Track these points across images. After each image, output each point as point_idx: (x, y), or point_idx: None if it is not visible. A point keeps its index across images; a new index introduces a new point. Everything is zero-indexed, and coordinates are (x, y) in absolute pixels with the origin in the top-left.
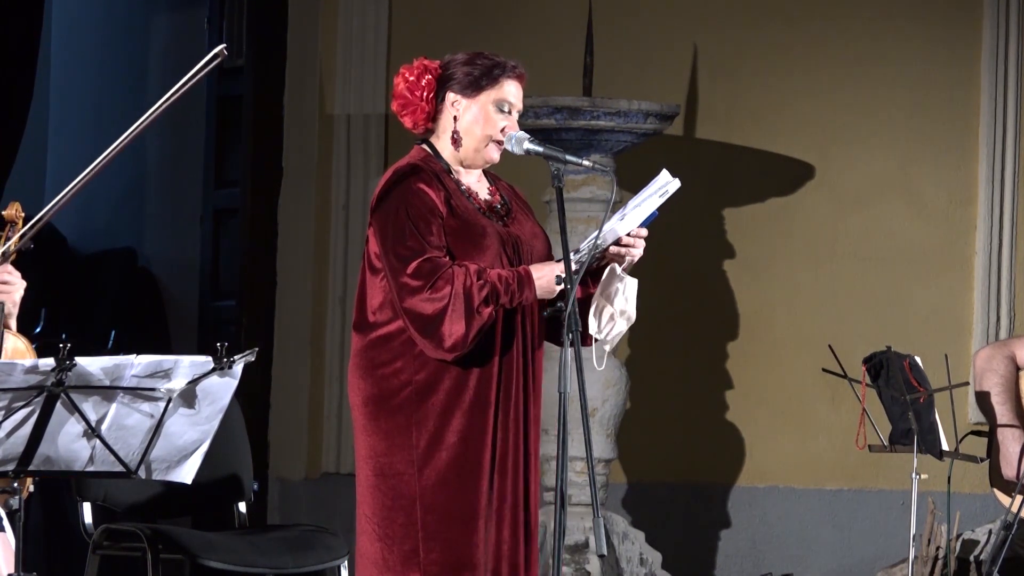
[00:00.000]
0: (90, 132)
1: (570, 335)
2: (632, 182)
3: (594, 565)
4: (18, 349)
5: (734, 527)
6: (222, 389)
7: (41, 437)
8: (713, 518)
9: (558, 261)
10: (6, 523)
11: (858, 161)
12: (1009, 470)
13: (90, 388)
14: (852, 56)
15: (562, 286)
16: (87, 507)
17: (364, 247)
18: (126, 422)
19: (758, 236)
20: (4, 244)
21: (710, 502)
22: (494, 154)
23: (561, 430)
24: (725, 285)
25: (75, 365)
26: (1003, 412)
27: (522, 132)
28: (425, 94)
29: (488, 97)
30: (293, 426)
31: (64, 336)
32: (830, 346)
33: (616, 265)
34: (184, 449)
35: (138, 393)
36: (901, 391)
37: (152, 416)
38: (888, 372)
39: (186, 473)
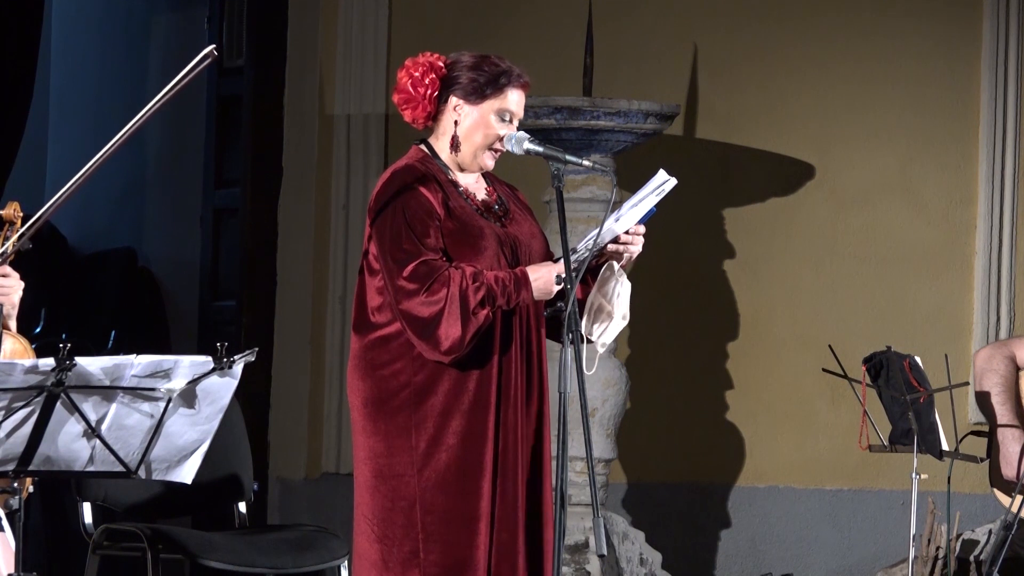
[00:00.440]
0: (90, 132)
1: (570, 335)
2: (632, 182)
3: (594, 565)
4: (16, 350)
5: (734, 527)
6: (222, 389)
7: (41, 437)
8: (713, 518)
9: (555, 261)
10: (5, 523)
11: (858, 161)
12: (1009, 470)
13: (90, 388)
14: (852, 56)
15: (560, 286)
16: (87, 507)
17: (363, 248)
18: (126, 422)
19: (758, 236)
20: (3, 244)
21: (710, 502)
22: (489, 161)
23: (561, 430)
24: (725, 285)
25: (75, 365)
26: (1003, 412)
27: (522, 132)
28: (428, 92)
29: (491, 106)
30: (293, 426)
31: (64, 336)
32: (830, 346)
33: (614, 263)
34: (184, 449)
35: (138, 393)
36: (901, 391)
37: (152, 416)
38: (888, 372)
39: (186, 473)
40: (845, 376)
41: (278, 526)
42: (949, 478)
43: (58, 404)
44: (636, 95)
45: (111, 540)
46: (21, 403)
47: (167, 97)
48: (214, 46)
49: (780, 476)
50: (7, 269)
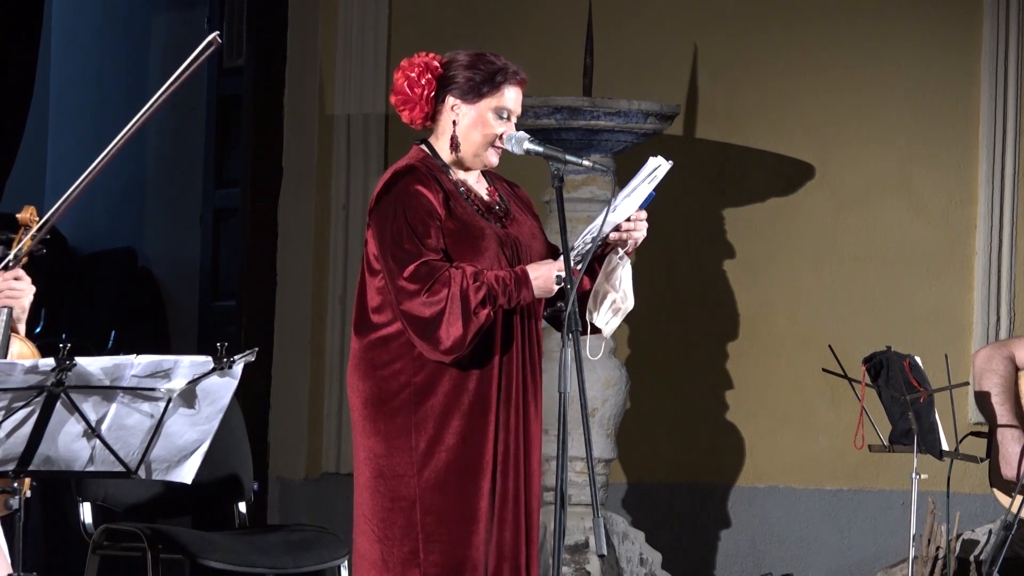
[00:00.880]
0: (90, 132)
1: (570, 335)
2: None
3: (594, 565)
4: (24, 354)
5: (734, 527)
6: (222, 389)
7: (41, 437)
8: (713, 518)
9: (556, 258)
10: None
11: (858, 161)
12: (1009, 470)
13: (90, 388)
14: (852, 56)
15: (561, 285)
16: (87, 507)
17: (363, 248)
18: (126, 422)
19: (758, 236)
20: (16, 248)
21: (710, 502)
22: (493, 159)
23: (561, 430)
24: (725, 285)
25: (75, 365)
26: (1003, 412)
27: (522, 132)
28: (425, 93)
29: (488, 104)
30: (293, 426)
31: (64, 336)
32: (830, 346)
33: (619, 249)
34: (184, 449)
35: (138, 393)
36: (901, 391)
37: (152, 416)
38: (888, 372)
39: (186, 473)
40: (845, 376)
41: (278, 526)
42: (949, 478)
43: (58, 404)
44: (636, 95)
45: (111, 540)
46: (21, 403)
47: (173, 88)
48: (217, 33)
49: (780, 476)
50: (20, 272)
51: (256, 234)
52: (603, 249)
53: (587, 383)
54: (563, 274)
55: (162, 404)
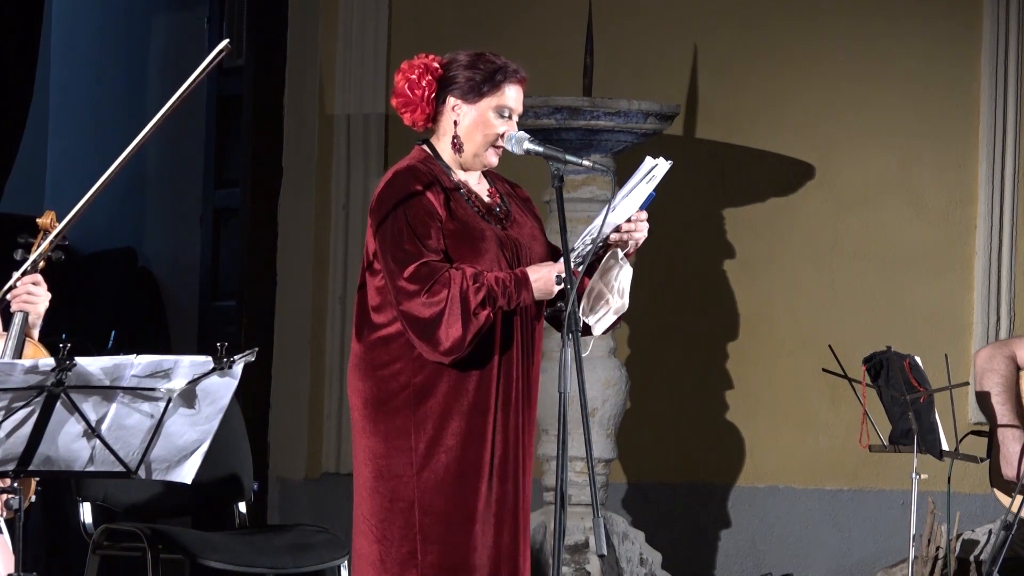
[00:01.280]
0: (90, 132)
1: (570, 335)
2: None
3: (594, 565)
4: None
5: (734, 527)
6: (222, 389)
7: (41, 437)
8: (713, 518)
9: (556, 260)
10: (2, 524)
11: (858, 161)
12: (1009, 470)
13: (90, 388)
14: (852, 56)
15: (561, 286)
16: (87, 507)
17: (364, 248)
18: (126, 422)
19: (758, 236)
20: (35, 253)
21: (710, 502)
22: (492, 159)
23: (561, 430)
24: (725, 285)
25: (75, 365)
26: (1003, 412)
27: (522, 132)
28: (426, 94)
29: (489, 104)
30: (293, 426)
31: (64, 336)
32: (830, 346)
33: (618, 251)
34: (184, 449)
35: (138, 393)
36: (901, 391)
37: (152, 416)
38: (888, 372)
39: (186, 473)
40: (845, 376)
41: (278, 526)
42: (949, 478)
43: (58, 404)
44: (636, 95)
45: (111, 540)
46: (21, 403)
47: (185, 94)
48: (228, 40)
49: (780, 476)
50: (38, 278)
51: (256, 234)
52: (604, 250)
53: (587, 383)
54: (563, 275)
55: (162, 404)
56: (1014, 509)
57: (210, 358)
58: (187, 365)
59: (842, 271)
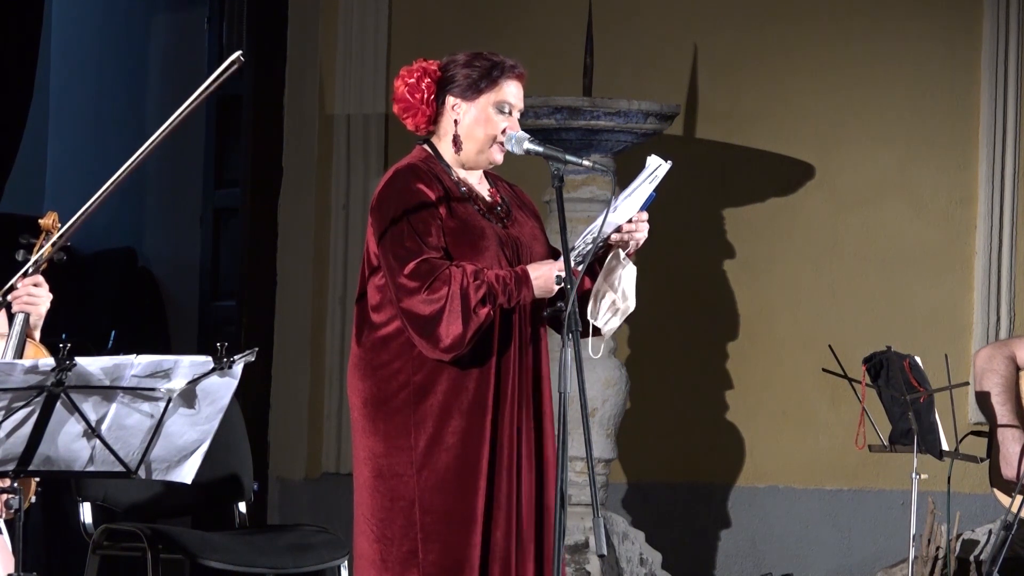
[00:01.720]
0: (90, 132)
1: (570, 335)
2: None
3: (594, 565)
4: None
5: (734, 527)
6: (222, 389)
7: (41, 437)
8: (713, 518)
9: (556, 259)
10: (2, 524)
11: (858, 161)
12: (1009, 470)
13: (90, 388)
14: (852, 56)
15: (562, 284)
16: (87, 507)
17: (364, 247)
18: (126, 422)
19: (758, 236)
20: (37, 254)
21: (710, 502)
22: (497, 156)
23: (561, 430)
24: (725, 285)
25: (75, 365)
26: (1003, 412)
27: (522, 132)
28: (425, 97)
29: (488, 100)
30: (293, 426)
31: (64, 336)
32: (830, 346)
33: (620, 251)
34: (184, 449)
35: (138, 393)
36: (901, 391)
37: (152, 416)
38: (888, 372)
39: (186, 473)
40: (845, 376)
41: (278, 526)
42: (949, 478)
43: (58, 404)
44: (636, 95)
45: (111, 540)
46: (21, 403)
47: (197, 102)
48: (240, 52)
49: (780, 476)
50: (39, 279)
51: (256, 234)
52: (604, 250)
53: (587, 383)
54: (563, 274)
55: (162, 404)
56: (1014, 509)
57: (210, 358)
58: (187, 365)
59: (842, 271)
